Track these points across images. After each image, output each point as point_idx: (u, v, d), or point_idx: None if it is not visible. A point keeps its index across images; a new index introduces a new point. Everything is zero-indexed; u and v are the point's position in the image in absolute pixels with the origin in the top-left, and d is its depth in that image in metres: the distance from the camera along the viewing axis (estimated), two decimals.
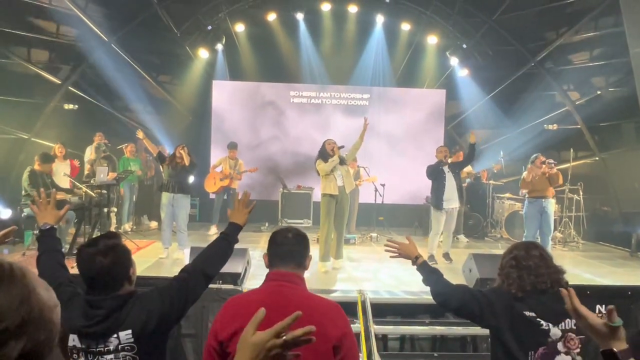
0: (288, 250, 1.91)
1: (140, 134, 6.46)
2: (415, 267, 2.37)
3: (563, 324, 2.08)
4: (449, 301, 2.25)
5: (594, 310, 2.12)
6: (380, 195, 8.63)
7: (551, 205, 6.53)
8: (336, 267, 5.96)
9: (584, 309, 1.45)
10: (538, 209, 6.43)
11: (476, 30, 9.73)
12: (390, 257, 2.42)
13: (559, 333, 2.07)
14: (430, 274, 2.32)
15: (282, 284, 1.85)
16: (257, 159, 10.21)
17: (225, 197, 8.63)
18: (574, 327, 2.06)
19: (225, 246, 2.19)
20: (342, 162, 5.99)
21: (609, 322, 1.35)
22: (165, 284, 2.00)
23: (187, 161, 6.30)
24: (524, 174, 6.64)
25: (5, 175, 8.22)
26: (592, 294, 4.48)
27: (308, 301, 1.83)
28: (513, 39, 9.50)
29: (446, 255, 6.58)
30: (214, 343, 1.77)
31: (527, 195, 6.71)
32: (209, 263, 2.11)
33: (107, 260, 1.80)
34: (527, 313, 2.09)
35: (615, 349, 1.33)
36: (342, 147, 6.06)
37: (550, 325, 2.07)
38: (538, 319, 2.07)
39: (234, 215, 2.26)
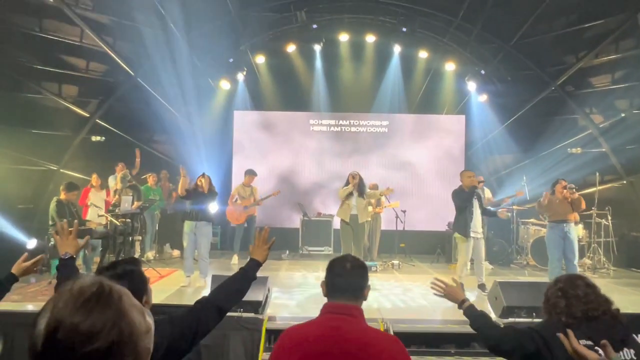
0: (346, 282, 1.88)
1: (182, 172, 6.46)
2: (462, 310, 2.32)
3: (622, 353, 1.96)
4: (501, 344, 2.17)
5: (631, 337, 2.03)
6: (402, 222, 8.55)
7: (574, 230, 6.33)
8: None
9: (583, 349, 1.44)
10: (559, 234, 6.24)
11: (494, 55, 9.76)
12: (434, 294, 2.39)
13: None
14: (478, 317, 2.26)
15: (340, 317, 1.81)
16: (277, 187, 10.29)
17: (245, 225, 8.65)
18: (635, 358, 1.95)
19: (243, 282, 2.20)
20: (361, 194, 6.40)
21: (606, 358, 1.34)
22: (177, 314, 2.00)
23: (205, 189, 6.40)
24: (541, 198, 6.54)
25: (35, 205, 8.47)
26: (627, 323, 4.28)
27: (367, 335, 1.78)
28: (532, 63, 9.49)
29: (482, 287, 6.06)
30: None
31: (548, 220, 6.56)
32: (224, 298, 2.11)
33: (120, 283, 1.82)
34: (583, 342, 1.95)
35: None
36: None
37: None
38: (596, 348, 1.92)
39: (254, 252, 2.27)
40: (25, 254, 2.52)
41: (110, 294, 0.86)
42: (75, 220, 5.71)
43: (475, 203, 6.22)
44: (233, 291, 2.16)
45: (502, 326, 2.26)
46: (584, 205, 6.54)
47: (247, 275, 2.20)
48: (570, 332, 1.49)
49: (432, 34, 9.86)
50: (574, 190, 6.33)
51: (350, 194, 6.45)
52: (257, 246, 2.28)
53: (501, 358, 2.23)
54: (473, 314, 2.28)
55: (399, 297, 5.99)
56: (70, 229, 2.25)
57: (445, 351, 4.35)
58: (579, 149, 8.86)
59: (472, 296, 6.09)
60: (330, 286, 1.90)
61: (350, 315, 1.82)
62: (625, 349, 1.96)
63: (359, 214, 6.35)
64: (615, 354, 1.34)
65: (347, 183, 6.51)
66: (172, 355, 1.90)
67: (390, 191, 7.25)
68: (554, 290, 2.17)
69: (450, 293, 2.35)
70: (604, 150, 8.99)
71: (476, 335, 2.29)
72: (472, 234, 6.14)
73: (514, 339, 2.12)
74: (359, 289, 1.89)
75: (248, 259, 2.27)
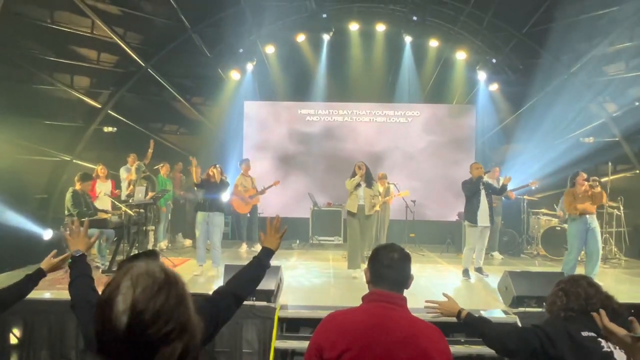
0: (394, 273, 1.90)
1: (194, 162, 6.60)
2: (461, 321, 2.34)
3: None
4: (506, 345, 2.19)
5: None
6: (411, 212, 8.56)
7: (596, 223, 6.17)
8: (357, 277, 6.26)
9: (613, 326, 1.48)
10: (583, 227, 6.08)
11: (505, 44, 9.64)
12: (432, 317, 2.40)
13: (624, 356, 1.97)
14: (478, 323, 2.29)
15: (387, 305, 1.84)
16: (287, 176, 10.34)
17: (248, 215, 8.78)
18: None
19: (258, 270, 2.23)
20: (369, 184, 6.54)
21: (631, 333, 1.39)
22: (198, 306, 2.05)
23: (217, 179, 6.48)
24: (569, 193, 6.24)
25: (49, 196, 8.61)
26: (637, 314, 4.29)
27: (413, 324, 1.81)
28: (544, 51, 9.37)
29: (479, 270, 6.60)
30: None
31: (569, 216, 6.35)
32: (241, 286, 2.16)
33: None
34: (585, 333, 2.00)
35: None
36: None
37: (611, 346, 1.96)
38: (599, 339, 1.98)
39: (266, 240, 2.30)
40: (55, 250, 2.57)
41: (176, 279, 0.95)
42: (86, 220, 5.83)
43: (483, 193, 6.53)
44: (249, 280, 2.20)
45: (504, 326, 2.28)
46: (605, 201, 6.37)
47: (262, 264, 2.24)
48: (602, 311, 1.53)
49: (442, 23, 9.75)
50: (598, 183, 6.14)
51: (358, 185, 6.52)
52: (269, 235, 2.31)
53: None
54: (473, 321, 2.31)
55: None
56: (80, 227, 2.29)
57: (455, 340, 4.39)
58: (591, 138, 8.77)
59: (471, 278, 6.46)
60: (377, 276, 1.91)
61: (397, 305, 1.85)
62: None
63: (366, 204, 6.46)
64: None
65: (354, 174, 6.57)
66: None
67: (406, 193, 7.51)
68: (556, 290, 2.22)
69: (446, 308, 2.38)
70: (616, 139, 8.90)
71: (482, 340, 2.32)
72: (479, 223, 6.41)
73: (518, 338, 2.15)
74: (405, 280, 1.92)
75: (260, 248, 2.32)
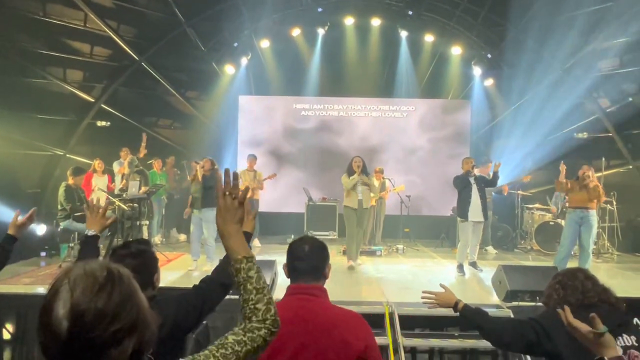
0: (307, 264, 1.92)
1: (196, 166, 6.63)
2: (457, 313, 2.33)
3: (621, 339, 1.97)
4: (502, 337, 2.19)
5: (631, 324, 2.07)
6: (406, 207, 8.58)
7: (593, 218, 6.13)
8: (354, 267, 6.51)
9: (576, 322, 1.50)
10: (576, 219, 6.12)
11: (501, 39, 9.65)
12: (429, 308, 2.41)
13: (620, 350, 1.92)
14: (475, 315, 2.28)
15: (304, 297, 1.86)
16: (282, 171, 10.32)
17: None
18: (636, 344, 1.96)
19: None
20: (365, 182, 6.57)
21: (593, 330, 1.42)
22: (183, 293, 2.08)
23: (207, 170, 6.40)
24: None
25: (42, 190, 8.55)
26: (629, 307, 4.32)
27: (330, 313, 1.85)
28: (539, 46, 9.38)
29: (473, 264, 6.63)
30: None
31: (568, 206, 6.43)
32: (225, 273, 2.19)
33: (135, 262, 1.90)
34: None
35: (605, 357, 1.39)
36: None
37: None
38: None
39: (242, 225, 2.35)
40: (18, 210, 2.49)
41: (121, 276, 0.91)
42: (107, 200, 5.76)
43: (475, 188, 6.52)
44: None
45: (501, 319, 2.28)
46: (602, 198, 6.31)
47: None
48: (566, 308, 1.55)
49: (438, 17, 9.75)
50: (589, 179, 6.12)
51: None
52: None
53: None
54: (470, 312, 2.30)
55: (403, 281, 6.05)
56: (100, 207, 2.29)
57: (449, 334, 4.42)
58: (585, 133, 8.81)
59: (465, 272, 6.50)
60: (292, 269, 1.94)
61: (313, 295, 1.87)
62: (625, 335, 1.97)
63: (363, 198, 6.54)
64: (603, 326, 1.43)
65: (350, 169, 6.58)
66: (178, 330, 1.98)
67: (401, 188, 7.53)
68: (553, 283, 2.23)
69: (442, 299, 2.37)
70: (610, 134, 8.94)
71: (478, 332, 2.32)
72: (470, 217, 6.42)
73: (514, 331, 2.15)
74: (320, 270, 1.93)
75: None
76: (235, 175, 1.39)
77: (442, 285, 2.44)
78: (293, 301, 1.87)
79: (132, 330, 0.87)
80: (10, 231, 2.41)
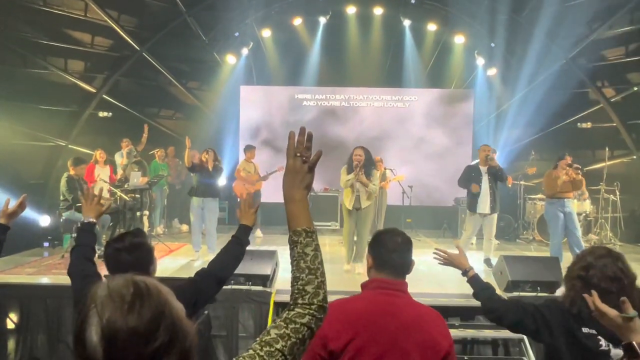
0: (399, 258, 1.85)
1: (188, 143, 6.36)
2: (465, 279, 2.28)
3: None
4: (502, 317, 2.16)
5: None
6: (408, 197, 8.57)
7: (572, 204, 6.32)
8: (359, 272, 5.77)
9: (604, 307, 1.48)
10: (559, 208, 6.15)
11: (504, 28, 9.54)
12: (439, 264, 2.35)
13: (621, 354, 1.94)
14: (482, 289, 2.23)
15: (390, 292, 1.82)
16: (284, 161, 10.26)
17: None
18: None
19: (237, 249, 2.28)
20: (367, 174, 5.88)
21: (622, 314, 1.40)
22: (177, 285, 2.08)
23: (210, 166, 6.40)
24: (549, 174, 6.29)
25: (45, 181, 8.57)
26: None
27: (417, 311, 1.81)
28: (543, 35, 9.28)
29: (487, 261, 6.33)
30: (323, 352, 1.69)
31: (546, 196, 6.44)
32: (221, 266, 2.21)
33: (130, 256, 1.91)
34: (586, 330, 1.93)
35: (634, 342, 1.37)
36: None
37: (611, 345, 1.89)
38: (598, 337, 1.90)
39: (242, 217, 2.36)
40: (8, 198, 2.44)
41: (149, 289, 0.85)
42: (101, 187, 5.78)
43: (485, 179, 6.26)
44: (229, 259, 2.25)
45: (505, 301, 2.23)
46: (584, 188, 6.53)
47: (240, 241, 2.30)
48: (594, 293, 1.52)
49: (441, 6, 9.64)
50: (579, 171, 6.19)
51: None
52: (243, 212, 2.37)
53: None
54: (478, 283, 2.26)
55: None
56: (95, 194, 2.29)
57: (450, 324, 4.43)
58: (588, 123, 8.75)
59: (478, 270, 6.23)
60: (381, 261, 1.86)
61: (400, 291, 1.84)
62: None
63: (362, 196, 5.92)
64: (634, 311, 1.41)
65: (349, 165, 5.95)
66: None
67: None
68: (579, 267, 1.96)
69: (455, 260, 2.30)
70: (614, 124, 8.88)
71: (479, 306, 2.30)
72: (479, 210, 6.23)
73: (516, 315, 2.11)
74: (408, 265, 1.89)
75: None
76: (310, 137, 1.26)
77: (457, 246, 2.39)
78: (378, 295, 1.82)
79: (171, 344, 0.82)
80: (1, 220, 2.36)
